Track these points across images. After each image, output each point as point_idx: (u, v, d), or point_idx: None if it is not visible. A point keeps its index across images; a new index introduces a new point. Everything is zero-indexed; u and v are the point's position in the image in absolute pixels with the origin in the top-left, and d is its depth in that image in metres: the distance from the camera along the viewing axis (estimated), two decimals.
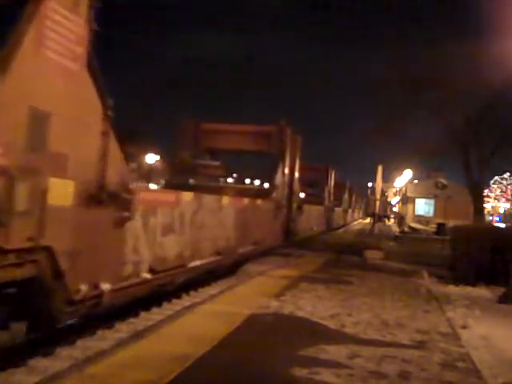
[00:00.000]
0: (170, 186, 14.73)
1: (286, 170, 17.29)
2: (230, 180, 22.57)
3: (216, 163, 17.50)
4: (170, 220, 8.28)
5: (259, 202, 14.31)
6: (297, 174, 19.01)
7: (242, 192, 15.54)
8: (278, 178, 16.34)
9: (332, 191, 33.02)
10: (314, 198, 28.56)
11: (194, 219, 9.26)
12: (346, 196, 45.98)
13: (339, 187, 39.10)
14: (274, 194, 15.98)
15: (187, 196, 9.17)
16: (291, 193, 18.21)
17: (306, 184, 32.46)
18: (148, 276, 7.43)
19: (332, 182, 32.76)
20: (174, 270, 8.43)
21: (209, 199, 10.28)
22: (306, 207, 21.78)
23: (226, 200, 11.40)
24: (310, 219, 24.51)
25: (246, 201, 12.97)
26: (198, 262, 9.42)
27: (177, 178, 15.86)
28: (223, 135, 17.20)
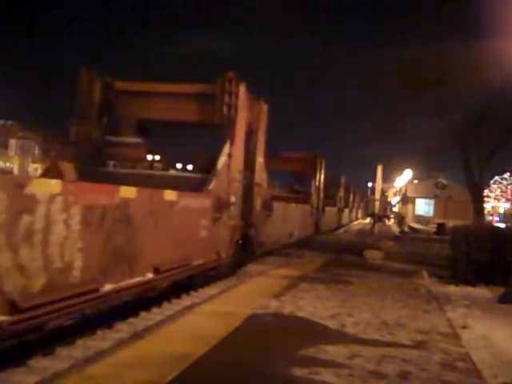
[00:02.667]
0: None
1: (238, 150, 11.66)
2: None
3: (136, 140, 11.42)
4: None
5: (171, 196, 8.10)
6: (261, 159, 13.74)
7: (158, 181, 10.10)
8: (222, 162, 10.77)
9: (322, 187, 27.14)
10: (299, 196, 23.74)
11: None
12: (342, 193, 39.61)
13: (332, 183, 33.87)
14: (212, 186, 10.15)
15: None
16: (251, 185, 12.89)
17: (292, 178, 27.75)
18: None
19: (322, 175, 26.78)
20: None
21: None
22: (280, 206, 16.81)
23: (47, 188, 5.27)
24: (289, 222, 18.67)
25: (127, 193, 6.80)
26: None
27: (88, 163, 10.67)
28: (148, 99, 11.63)
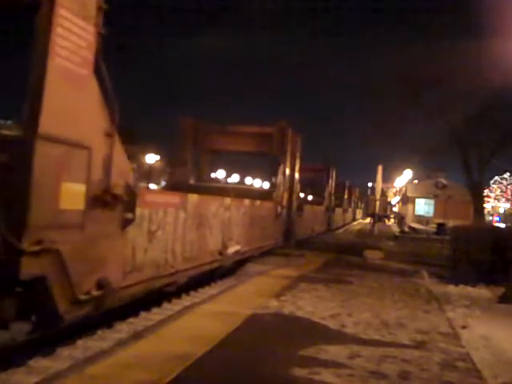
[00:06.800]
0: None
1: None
2: None
3: None
4: None
5: None
6: (83, 70, 5.59)
7: None
8: None
9: (297, 178, 18.59)
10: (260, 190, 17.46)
11: None
12: (332, 189, 31.25)
13: (320, 175, 28.26)
14: None
15: None
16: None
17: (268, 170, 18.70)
18: None
19: (297, 161, 18.31)
20: None
21: None
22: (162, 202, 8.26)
23: None
24: (214, 231, 10.34)
25: None
26: None
27: None
28: None
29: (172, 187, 14.57)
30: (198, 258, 9.49)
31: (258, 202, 14.26)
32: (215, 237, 10.55)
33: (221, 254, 10.85)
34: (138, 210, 6.72)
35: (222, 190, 14.32)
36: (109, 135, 6.18)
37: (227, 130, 17.25)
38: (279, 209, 16.53)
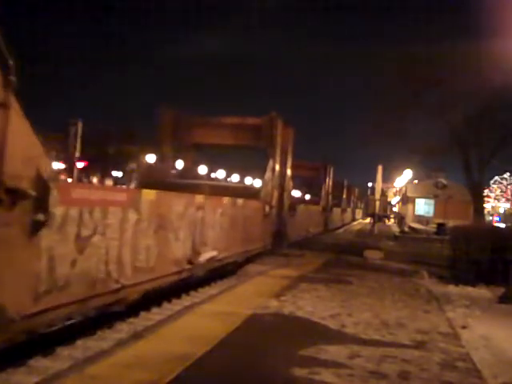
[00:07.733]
0: None
1: None
2: None
3: None
4: None
5: None
6: None
7: None
8: None
9: (289, 175, 17.06)
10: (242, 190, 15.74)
11: None
12: (330, 188, 30.32)
13: (317, 174, 27.54)
14: None
15: None
16: None
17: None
18: None
19: (289, 157, 16.74)
20: None
21: None
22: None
23: None
24: (181, 235, 8.80)
25: None
26: None
27: None
28: None
29: (144, 185, 12.40)
30: (156, 269, 7.79)
31: (240, 201, 12.46)
32: (182, 242, 8.76)
33: (191, 262, 9.08)
34: (61, 210, 5.30)
35: (202, 188, 12.88)
36: (1, 105, 4.34)
37: (211, 122, 15.83)
38: (267, 208, 14.84)
